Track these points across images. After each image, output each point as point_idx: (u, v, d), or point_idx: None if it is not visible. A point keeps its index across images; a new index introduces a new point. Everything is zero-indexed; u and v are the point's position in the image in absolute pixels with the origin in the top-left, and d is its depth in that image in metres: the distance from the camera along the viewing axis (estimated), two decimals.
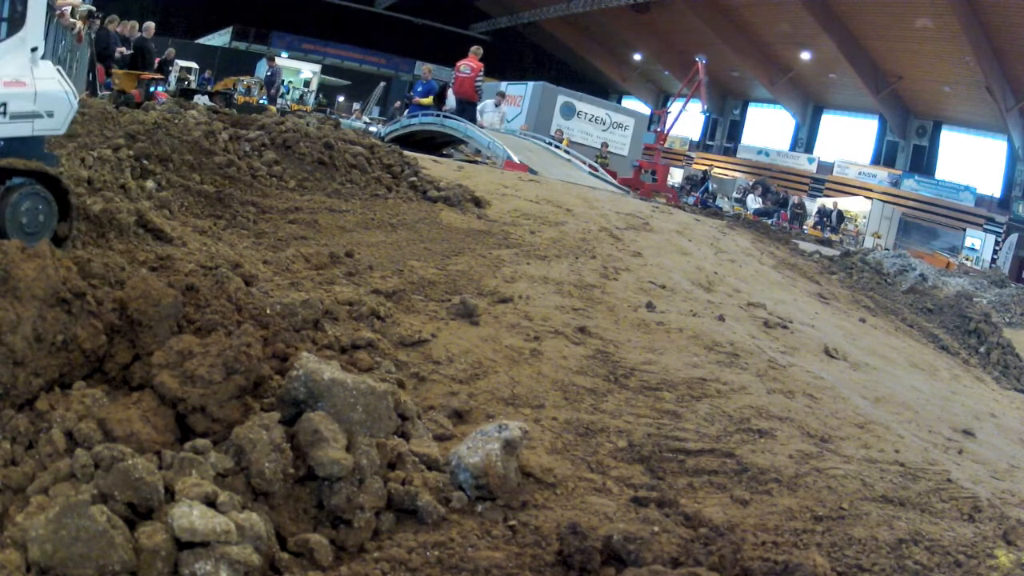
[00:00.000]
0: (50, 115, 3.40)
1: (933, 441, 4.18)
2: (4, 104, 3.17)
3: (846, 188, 30.44)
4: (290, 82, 28.18)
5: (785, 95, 33.72)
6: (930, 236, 27.88)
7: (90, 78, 10.68)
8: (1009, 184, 27.29)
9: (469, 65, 14.90)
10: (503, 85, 19.50)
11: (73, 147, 5.41)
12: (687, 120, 37.21)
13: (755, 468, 3.28)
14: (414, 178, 7.97)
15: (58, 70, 3.52)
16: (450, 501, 2.64)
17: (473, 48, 15.27)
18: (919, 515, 2.96)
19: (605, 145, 19.57)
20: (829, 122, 34.16)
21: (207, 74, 28.13)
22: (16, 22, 3.27)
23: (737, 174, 33.33)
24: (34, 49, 3.34)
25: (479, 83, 14.88)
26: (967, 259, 25.12)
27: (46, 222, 3.36)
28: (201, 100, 13.11)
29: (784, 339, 5.73)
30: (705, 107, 22.97)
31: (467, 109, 14.35)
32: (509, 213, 7.79)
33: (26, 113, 3.27)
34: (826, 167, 32.18)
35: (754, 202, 26.06)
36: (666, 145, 23.37)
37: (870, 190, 29.64)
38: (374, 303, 4.59)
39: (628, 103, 38.00)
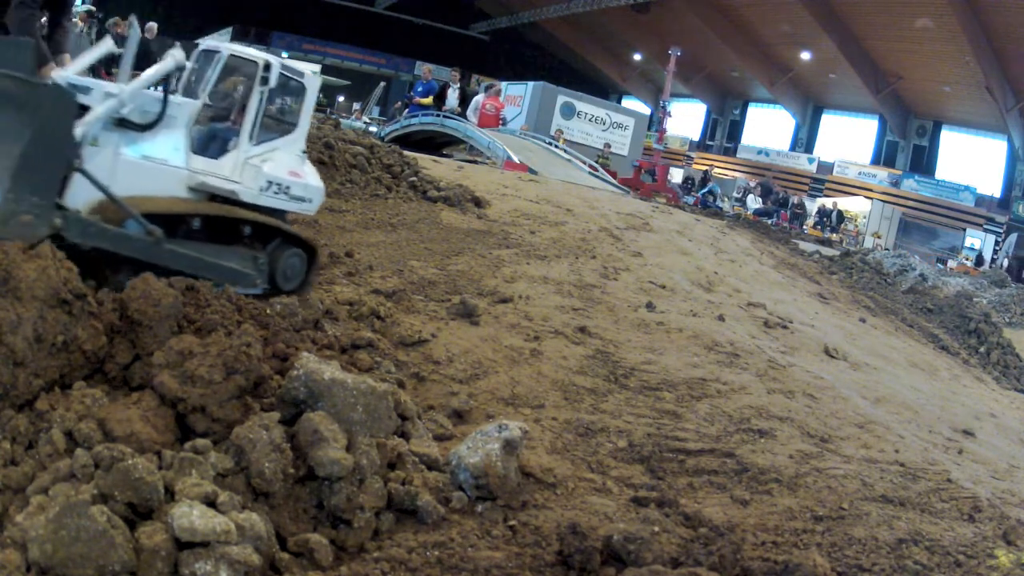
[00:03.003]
0: (310, 201, 4.33)
1: (933, 441, 4.18)
2: (288, 187, 4.12)
3: (846, 188, 30.44)
4: None
5: (785, 95, 33.71)
6: (930, 236, 27.87)
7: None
8: (1009, 184, 27.29)
9: (494, 105, 15.73)
10: (503, 85, 19.49)
11: None
12: (687, 120, 37.32)
13: (755, 468, 3.28)
14: (414, 178, 7.97)
15: (311, 166, 4.52)
16: (450, 501, 2.64)
17: (494, 89, 16.02)
18: (919, 515, 2.96)
19: (607, 146, 19.55)
20: (829, 122, 34.15)
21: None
22: (291, 128, 4.22)
23: (737, 174, 33.31)
24: (303, 151, 4.33)
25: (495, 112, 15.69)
26: (967, 259, 25.12)
27: (301, 273, 4.34)
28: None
29: (784, 339, 5.73)
30: (663, 100, 23.02)
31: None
32: (509, 213, 7.79)
33: (298, 196, 4.21)
34: (826, 167, 32.17)
35: (754, 202, 26.05)
36: (664, 144, 23.35)
37: (870, 190, 29.64)
38: (374, 303, 4.59)
39: (628, 103, 37.98)
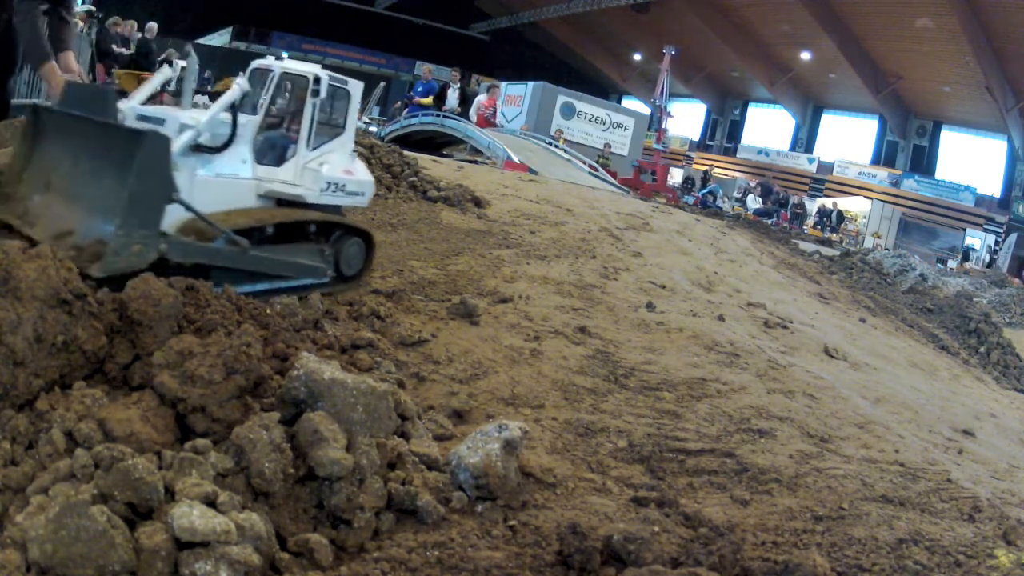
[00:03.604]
0: (363, 195, 4.83)
1: (933, 441, 4.18)
2: (344, 185, 4.60)
3: (846, 188, 30.45)
4: None
5: (785, 95, 33.72)
6: (930, 236, 27.88)
7: (91, 78, 10.68)
8: (1009, 184, 27.30)
9: (485, 105, 16.06)
10: (503, 85, 19.49)
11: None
12: (687, 120, 37.29)
13: (755, 468, 3.28)
14: (414, 178, 7.97)
15: (361, 162, 5.03)
16: (450, 501, 2.64)
17: (491, 89, 16.06)
18: (919, 515, 2.96)
19: (607, 146, 19.54)
20: (829, 122, 34.16)
21: (207, 74, 28.12)
22: (341, 131, 4.68)
23: (737, 174, 33.32)
24: (351, 152, 4.80)
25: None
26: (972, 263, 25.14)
27: (361, 259, 4.84)
28: (201, 100, 13.09)
29: (784, 339, 5.74)
30: (654, 99, 23.08)
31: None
32: (509, 213, 7.79)
33: (353, 192, 4.70)
34: (826, 167, 32.19)
35: (754, 202, 26.05)
36: (663, 144, 23.35)
37: (870, 190, 29.66)
38: (374, 303, 4.59)
39: (628, 103, 37.98)
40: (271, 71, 4.32)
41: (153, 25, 14.14)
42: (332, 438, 2.53)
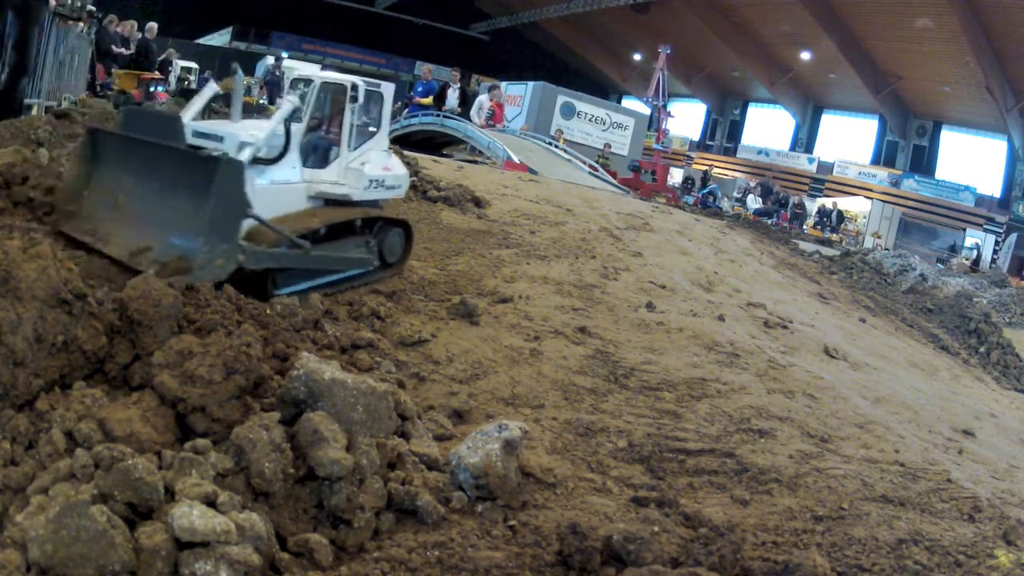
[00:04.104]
0: (400, 188, 5.29)
1: (933, 441, 4.18)
2: (384, 180, 5.05)
3: (846, 188, 30.42)
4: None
5: (785, 95, 33.70)
6: (930, 236, 27.86)
7: (90, 78, 10.68)
8: (1009, 184, 27.27)
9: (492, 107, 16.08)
10: (503, 85, 19.47)
11: (73, 147, 5.41)
12: (687, 120, 37.28)
13: (755, 468, 3.28)
14: (414, 178, 7.96)
15: (395, 157, 5.52)
16: (450, 501, 2.64)
17: (496, 92, 16.19)
18: (919, 515, 2.96)
19: (607, 146, 19.53)
20: (829, 122, 34.13)
21: (207, 74, 28.12)
22: (376, 131, 5.07)
23: (737, 174, 33.29)
24: (385, 149, 5.21)
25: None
26: (966, 259, 25.11)
27: (401, 247, 5.27)
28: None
29: (784, 339, 5.73)
30: (647, 97, 23.08)
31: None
32: (509, 213, 7.79)
33: (392, 186, 5.15)
34: (826, 167, 32.15)
35: (754, 202, 26.02)
36: (663, 143, 23.34)
37: (870, 190, 29.63)
38: (374, 303, 4.59)
39: (628, 103, 37.98)
40: (312, 81, 4.69)
41: (153, 25, 14.12)
42: (332, 438, 2.53)
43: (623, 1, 30.88)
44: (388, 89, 5.04)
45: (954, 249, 25.22)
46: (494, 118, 15.42)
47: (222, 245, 3.67)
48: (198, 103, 4.65)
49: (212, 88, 4.74)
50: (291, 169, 4.48)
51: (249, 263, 3.88)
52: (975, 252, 25.14)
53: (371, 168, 4.93)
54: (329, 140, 4.86)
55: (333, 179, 4.78)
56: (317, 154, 4.78)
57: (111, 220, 3.97)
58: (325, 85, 4.74)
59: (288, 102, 4.45)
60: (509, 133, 15.18)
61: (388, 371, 3.69)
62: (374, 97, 5.00)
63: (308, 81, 4.72)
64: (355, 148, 4.88)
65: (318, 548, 2.26)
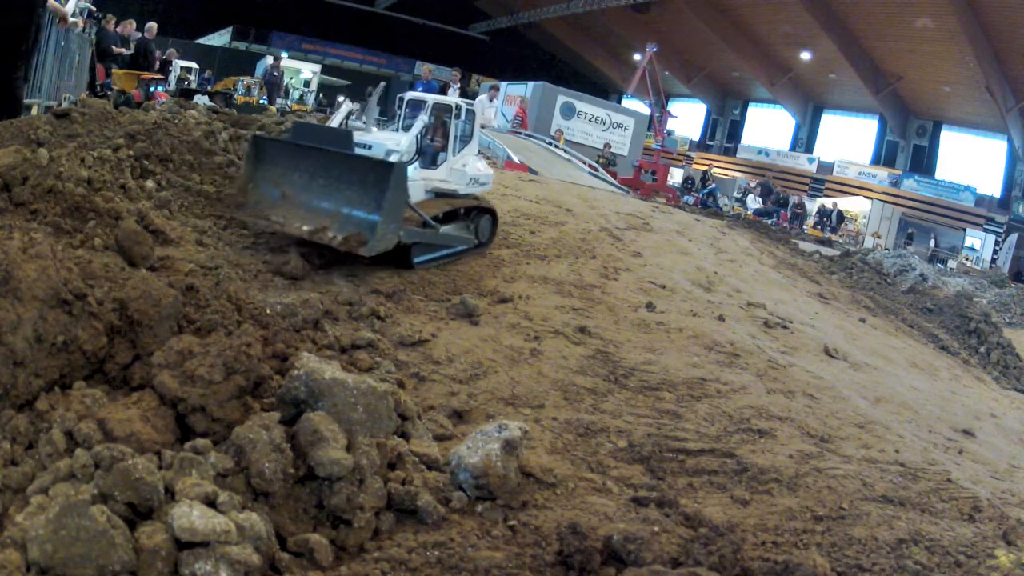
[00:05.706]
0: (488, 184, 6.68)
1: (933, 441, 4.18)
2: (479, 178, 6.44)
3: (846, 188, 30.42)
4: (291, 80, 28.09)
5: (785, 95, 33.70)
6: (930, 236, 27.85)
7: (90, 78, 10.68)
8: (1009, 184, 27.27)
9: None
10: (503, 85, 19.48)
11: (73, 147, 5.41)
12: (687, 120, 37.27)
13: (755, 468, 3.27)
14: None
15: (484, 160, 7.17)
16: (450, 501, 2.64)
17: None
18: (919, 515, 2.96)
19: (608, 146, 19.54)
20: (829, 122, 34.14)
21: (207, 74, 28.09)
22: (470, 139, 6.39)
23: (737, 174, 33.30)
24: (475, 154, 6.58)
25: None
26: (967, 259, 25.11)
27: (490, 229, 6.57)
28: (201, 100, 13.07)
29: (784, 339, 5.73)
30: (628, 89, 23.13)
31: None
32: (509, 213, 7.79)
33: (484, 183, 6.56)
34: (826, 167, 32.15)
35: (754, 202, 26.02)
36: (665, 143, 23.33)
37: (870, 190, 29.63)
38: (374, 303, 4.59)
39: (628, 103, 38.00)
40: (425, 102, 6.10)
41: (153, 25, 14.11)
42: (332, 438, 2.53)
43: (623, 1, 30.89)
44: (478, 106, 6.25)
45: (994, 262, 25.14)
46: (522, 124, 15.46)
47: (392, 225, 5.04)
48: (339, 116, 6.39)
49: (348, 106, 6.59)
50: (414, 170, 5.66)
51: (405, 238, 5.29)
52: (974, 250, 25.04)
53: (471, 169, 6.31)
54: (434, 147, 6.14)
55: (443, 177, 6.08)
56: (426, 157, 6.04)
57: (280, 208, 5.24)
58: (436, 105, 6.09)
59: (421, 120, 5.85)
60: (505, 132, 15.18)
61: (388, 371, 3.69)
62: (469, 115, 6.32)
63: (422, 102, 6.12)
64: (456, 153, 6.18)
65: (318, 548, 2.26)
